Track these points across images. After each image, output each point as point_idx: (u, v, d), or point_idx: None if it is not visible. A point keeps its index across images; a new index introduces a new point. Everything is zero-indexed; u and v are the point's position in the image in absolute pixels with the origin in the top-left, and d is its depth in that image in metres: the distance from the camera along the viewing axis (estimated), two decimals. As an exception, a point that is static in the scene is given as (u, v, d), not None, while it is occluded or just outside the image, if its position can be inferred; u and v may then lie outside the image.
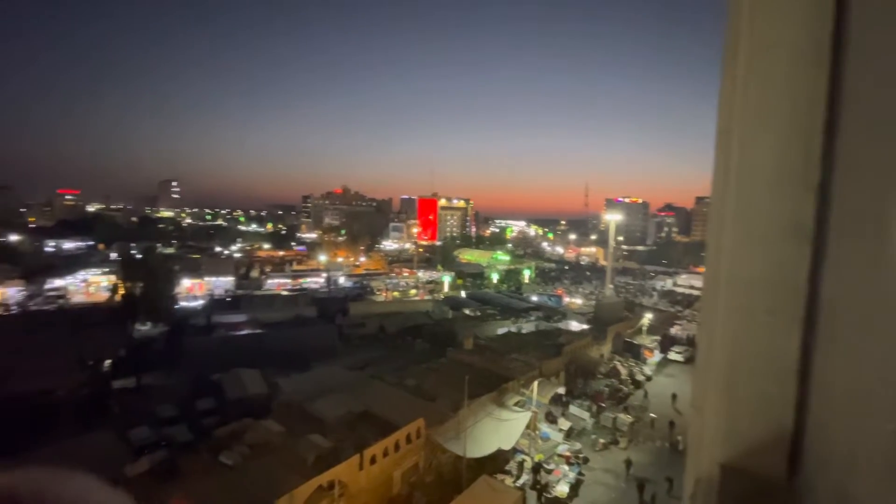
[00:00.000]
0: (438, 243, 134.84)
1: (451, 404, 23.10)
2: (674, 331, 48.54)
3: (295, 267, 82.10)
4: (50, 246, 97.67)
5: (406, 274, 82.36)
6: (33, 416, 23.74)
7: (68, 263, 71.44)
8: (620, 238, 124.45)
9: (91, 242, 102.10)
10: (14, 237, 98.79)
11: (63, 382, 25.83)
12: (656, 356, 40.72)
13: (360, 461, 18.61)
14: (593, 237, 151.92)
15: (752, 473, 0.89)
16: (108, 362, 32.57)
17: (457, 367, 29.32)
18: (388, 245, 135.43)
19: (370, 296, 67.30)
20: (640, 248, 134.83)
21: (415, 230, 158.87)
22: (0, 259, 64.24)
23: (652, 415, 28.98)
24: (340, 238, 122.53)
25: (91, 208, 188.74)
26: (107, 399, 28.16)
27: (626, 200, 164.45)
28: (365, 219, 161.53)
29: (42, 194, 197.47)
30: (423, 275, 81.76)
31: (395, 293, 69.92)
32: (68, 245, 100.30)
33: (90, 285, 59.67)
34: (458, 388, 22.25)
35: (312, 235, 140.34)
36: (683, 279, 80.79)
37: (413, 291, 71.94)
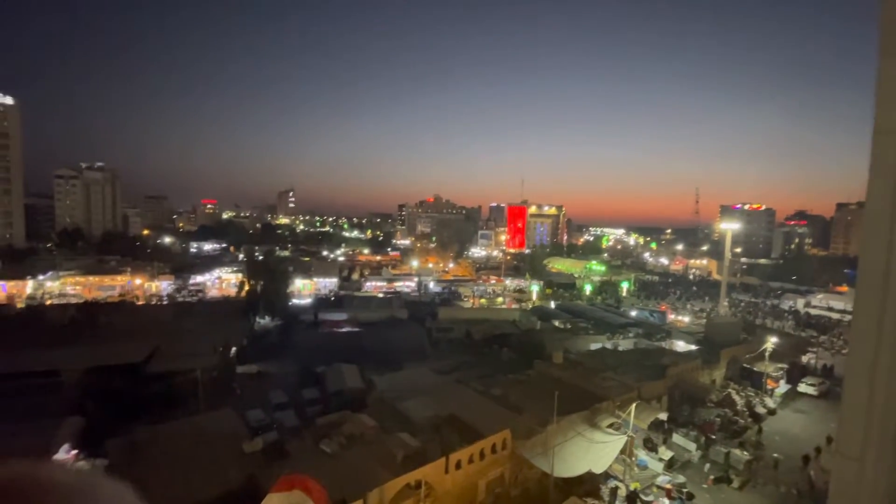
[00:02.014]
0: (527, 251, 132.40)
1: (538, 419, 22.38)
2: (805, 359, 41.57)
3: (390, 271, 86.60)
4: (193, 247, 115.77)
5: (493, 281, 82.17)
6: (177, 391, 28.16)
7: (206, 262, 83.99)
8: (738, 249, 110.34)
9: (224, 245, 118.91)
10: (167, 239, 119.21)
11: (200, 365, 30.20)
12: (782, 387, 35.25)
13: (446, 465, 18.85)
14: (704, 248, 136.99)
15: None
16: (233, 349, 37.33)
17: (545, 380, 28.40)
18: (476, 252, 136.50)
19: (458, 301, 68.33)
20: (762, 261, 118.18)
21: (503, 237, 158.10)
22: (156, 258, 77.64)
23: (776, 455, 25.04)
24: (431, 244, 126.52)
25: (225, 215, 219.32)
26: (232, 382, 32.30)
27: (746, 207, 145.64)
28: (454, 226, 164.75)
29: (189, 203, 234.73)
30: (510, 283, 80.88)
31: (482, 300, 70.08)
32: (207, 247, 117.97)
33: (222, 282, 69.28)
34: (546, 402, 21.50)
35: (406, 242, 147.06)
36: (819, 299, 69.14)
37: (500, 300, 71.47)
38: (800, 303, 69.93)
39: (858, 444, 0.87)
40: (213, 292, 66.79)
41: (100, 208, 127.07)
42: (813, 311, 65.67)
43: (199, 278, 69.82)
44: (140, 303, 58.32)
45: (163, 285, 65.81)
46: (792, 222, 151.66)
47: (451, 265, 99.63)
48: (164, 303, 59.32)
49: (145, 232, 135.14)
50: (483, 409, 23.50)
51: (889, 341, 0.79)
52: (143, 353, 31.18)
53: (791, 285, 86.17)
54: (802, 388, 35.34)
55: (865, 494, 0.83)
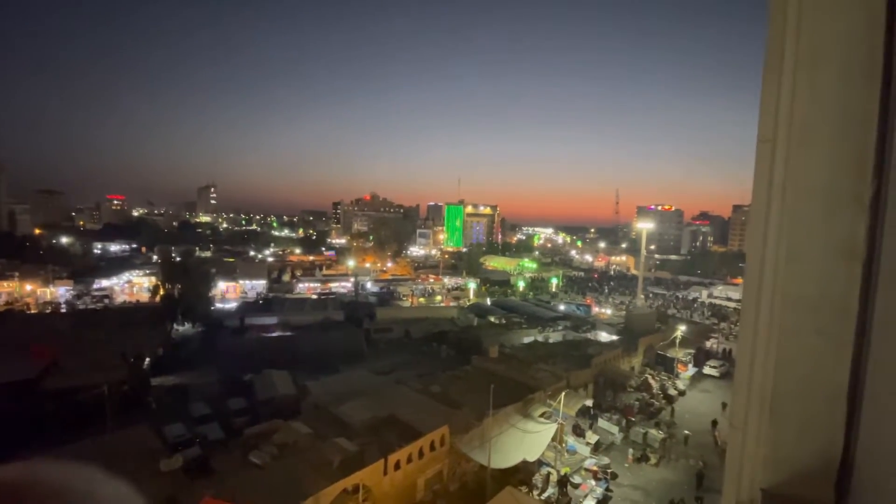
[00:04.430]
0: (464, 250, 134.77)
1: (475, 413, 22.91)
2: (709, 344, 46.57)
3: (324, 271, 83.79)
4: (97, 248, 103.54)
5: (432, 280, 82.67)
6: (79, 410, 25.10)
7: (113, 265, 75.53)
8: (652, 247, 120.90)
9: (135, 245, 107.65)
10: (65, 239, 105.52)
11: (106, 378, 27.13)
12: (690, 370, 39.19)
13: (385, 466, 18.68)
14: (624, 245, 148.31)
15: (797, 500, 0.88)
16: (147, 360, 34.04)
17: (482, 375, 29.11)
18: (415, 251, 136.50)
19: (396, 301, 67.86)
20: (673, 257, 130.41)
21: (441, 237, 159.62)
22: (51, 260, 68.46)
23: (686, 431, 27.84)
24: (368, 244, 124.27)
25: (136, 213, 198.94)
26: (146, 395, 29.41)
27: (659, 208, 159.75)
28: (392, 225, 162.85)
29: (91, 199, 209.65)
30: (448, 281, 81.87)
31: (421, 299, 70.24)
32: (114, 248, 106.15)
33: (133, 286, 62.79)
34: (483, 396, 22.07)
35: (342, 241, 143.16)
36: (719, 290, 77.63)
37: (438, 298, 72.08)
38: (704, 294, 78.13)
39: (743, 416, 1.02)
40: (122, 298, 60.30)
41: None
42: (715, 301, 73.69)
43: (104, 282, 62.62)
44: (32, 311, 51.21)
45: (60, 291, 58.23)
46: (697, 222, 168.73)
47: (389, 264, 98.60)
48: (63, 311, 52.55)
49: (37, 231, 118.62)
50: (422, 407, 23.56)
51: (764, 326, 0.92)
52: (34, 369, 27.40)
53: (697, 278, 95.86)
54: (707, 370, 39.55)
55: (748, 458, 0.99)
